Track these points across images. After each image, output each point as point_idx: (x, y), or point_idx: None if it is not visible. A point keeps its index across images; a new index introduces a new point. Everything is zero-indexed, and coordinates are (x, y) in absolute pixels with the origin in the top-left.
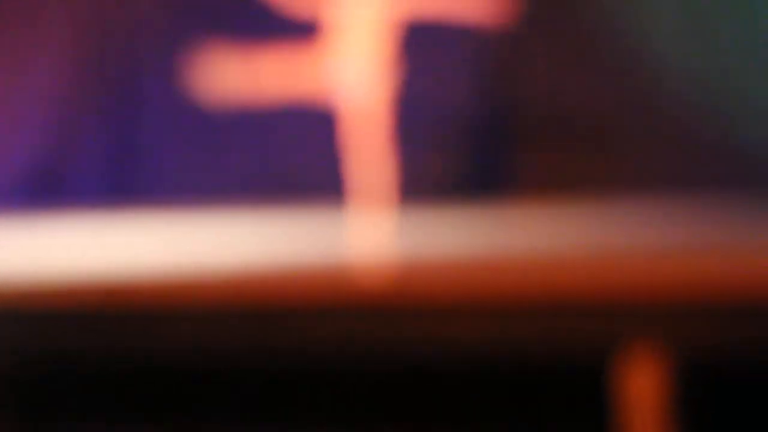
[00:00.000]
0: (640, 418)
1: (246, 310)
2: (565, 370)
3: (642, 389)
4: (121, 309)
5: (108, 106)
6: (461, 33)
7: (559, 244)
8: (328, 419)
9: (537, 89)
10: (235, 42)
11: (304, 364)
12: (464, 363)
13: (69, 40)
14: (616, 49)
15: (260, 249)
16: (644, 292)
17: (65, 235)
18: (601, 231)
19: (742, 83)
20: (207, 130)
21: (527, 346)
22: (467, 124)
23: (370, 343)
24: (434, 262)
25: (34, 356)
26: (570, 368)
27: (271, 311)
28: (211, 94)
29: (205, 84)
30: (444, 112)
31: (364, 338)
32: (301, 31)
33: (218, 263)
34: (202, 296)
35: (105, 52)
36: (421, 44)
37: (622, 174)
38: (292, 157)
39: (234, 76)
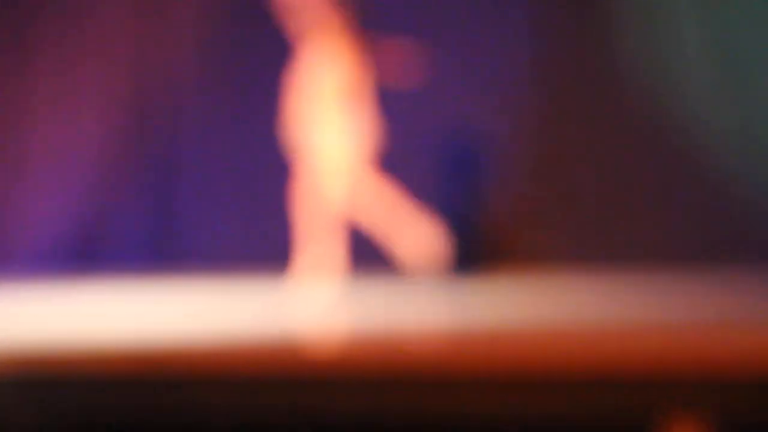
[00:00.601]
0: None
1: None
2: None
3: None
4: (144, 374)
5: (147, 174)
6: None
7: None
8: None
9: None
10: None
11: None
12: None
13: (111, 110)
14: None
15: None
16: (682, 366)
17: (102, 299)
18: (624, 304)
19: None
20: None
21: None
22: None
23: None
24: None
25: (73, 418)
26: None
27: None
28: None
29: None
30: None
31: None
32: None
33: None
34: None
35: (145, 122)
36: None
37: (651, 248)
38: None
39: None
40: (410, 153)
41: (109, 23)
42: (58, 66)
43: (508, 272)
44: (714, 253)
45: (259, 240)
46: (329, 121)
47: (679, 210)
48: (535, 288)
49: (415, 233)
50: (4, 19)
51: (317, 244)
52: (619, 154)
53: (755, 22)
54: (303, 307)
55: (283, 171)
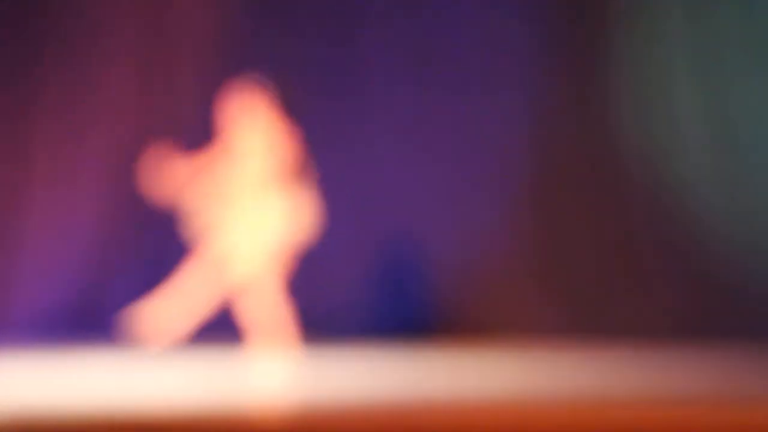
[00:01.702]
0: None
1: None
2: None
3: None
4: None
5: (139, 245)
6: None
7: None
8: None
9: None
10: None
11: None
12: None
13: (103, 181)
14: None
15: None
16: None
17: (96, 368)
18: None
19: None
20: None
21: None
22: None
23: None
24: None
25: None
26: None
27: None
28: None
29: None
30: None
31: None
32: None
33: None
34: None
35: (137, 193)
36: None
37: (639, 322)
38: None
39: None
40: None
41: (110, 77)
42: (57, 125)
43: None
44: (704, 327)
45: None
46: (251, 203)
47: (672, 283)
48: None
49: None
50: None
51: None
52: (610, 226)
53: (753, 91)
54: (256, 378)
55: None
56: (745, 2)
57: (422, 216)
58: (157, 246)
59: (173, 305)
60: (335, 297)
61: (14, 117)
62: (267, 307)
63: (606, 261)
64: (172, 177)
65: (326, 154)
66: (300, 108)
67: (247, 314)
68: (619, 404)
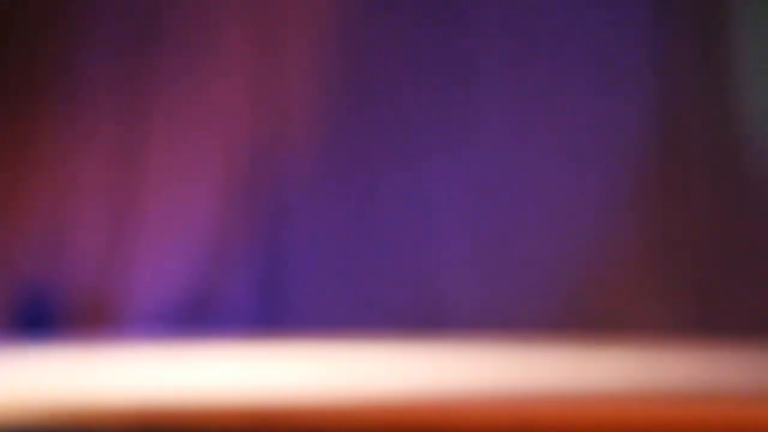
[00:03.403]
0: None
1: None
2: None
3: None
4: None
5: (257, 234)
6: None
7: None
8: None
9: None
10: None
11: None
12: None
13: (219, 169)
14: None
15: (400, 381)
16: None
17: (212, 362)
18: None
19: None
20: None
21: None
22: None
23: None
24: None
25: None
26: None
27: None
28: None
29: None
30: None
31: None
32: None
33: (360, 394)
34: (346, 425)
35: (255, 181)
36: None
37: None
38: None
39: None
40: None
41: (223, 73)
42: (171, 115)
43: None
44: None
45: (371, 304)
46: None
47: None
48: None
49: None
50: (119, 70)
51: None
52: (736, 223)
53: None
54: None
55: (400, 227)
56: None
57: (540, 211)
58: (273, 238)
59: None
60: (449, 290)
61: (129, 119)
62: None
63: (732, 258)
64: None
65: (436, 148)
66: (408, 100)
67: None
68: (741, 400)
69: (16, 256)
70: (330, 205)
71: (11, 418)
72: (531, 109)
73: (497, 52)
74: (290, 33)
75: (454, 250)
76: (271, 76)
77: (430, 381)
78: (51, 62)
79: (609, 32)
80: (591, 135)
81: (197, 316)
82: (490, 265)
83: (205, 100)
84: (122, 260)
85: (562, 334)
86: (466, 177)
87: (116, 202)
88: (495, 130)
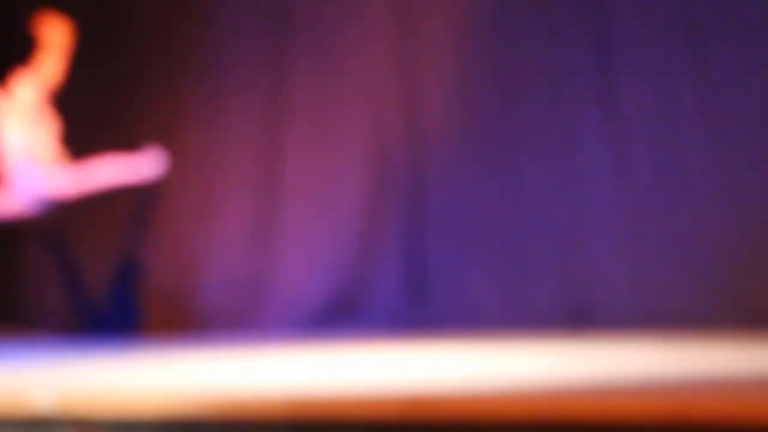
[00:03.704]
0: None
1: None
2: None
3: None
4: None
5: (403, 231)
6: None
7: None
8: None
9: None
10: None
11: None
12: None
13: (364, 165)
14: None
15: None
16: None
17: (359, 357)
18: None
19: None
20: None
21: None
22: None
23: None
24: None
25: None
26: None
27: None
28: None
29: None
30: None
31: None
32: None
33: (509, 388)
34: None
35: (400, 178)
36: None
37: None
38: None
39: None
40: None
41: (361, 67)
42: (311, 116)
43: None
44: None
45: (519, 300)
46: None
47: None
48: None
49: None
50: (262, 67)
51: None
52: None
53: None
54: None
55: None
56: None
57: (692, 206)
58: (418, 235)
59: None
60: (600, 286)
61: (270, 113)
62: None
63: None
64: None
65: (584, 142)
66: (555, 92)
67: None
68: None
69: (159, 255)
70: (476, 202)
71: (167, 412)
72: (684, 100)
73: (644, 41)
74: (433, 23)
75: (604, 247)
76: (415, 67)
77: (579, 375)
78: (194, 57)
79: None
80: (748, 127)
81: (344, 311)
82: (642, 261)
83: (350, 97)
84: (268, 257)
85: (719, 328)
86: (617, 172)
87: (260, 200)
88: (646, 123)
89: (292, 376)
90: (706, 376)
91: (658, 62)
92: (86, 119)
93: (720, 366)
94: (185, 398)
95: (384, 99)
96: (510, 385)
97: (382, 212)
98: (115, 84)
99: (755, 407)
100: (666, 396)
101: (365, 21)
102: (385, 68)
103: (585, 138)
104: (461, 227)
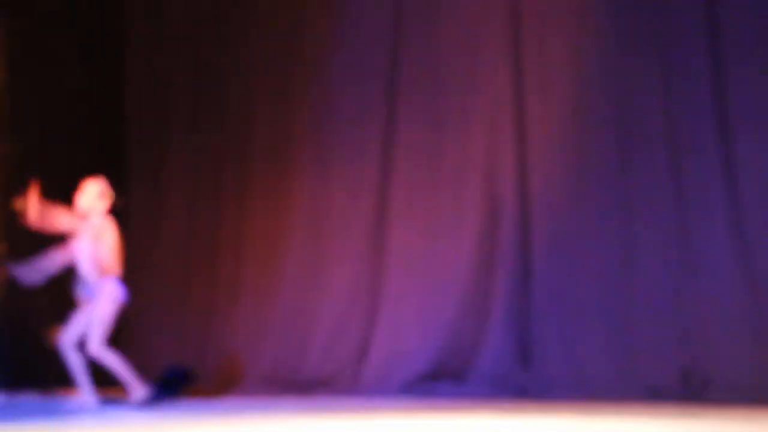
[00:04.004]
0: None
1: None
2: None
3: None
4: None
5: (508, 302)
6: None
7: None
8: None
9: None
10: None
11: None
12: None
13: (473, 241)
14: None
15: None
16: None
17: (462, 425)
18: None
19: None
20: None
21: None
22: None
23: None
24: None
25: None
26: None
27: None
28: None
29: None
30: None
31: None
32: None
33: None
34: None
35: (507, 253)
36: None
37: None
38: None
39: None
40: None
41: (470, 134)
42: (419, 180)
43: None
44: None
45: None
46: None
47: None
48: None
49: None
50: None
51: None
52: None
53: None
54: None
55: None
56: None
57: None
58: (525, 302)
59: None
60: (716, 358)
61: (379, 175)
62: None
63: None
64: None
65: (699, 206)
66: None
67: None
68: None
69: (269, 315)
70: (586, 268)
71: None
72: None
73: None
74: (545, 78)
75: (720, 316)
76: (527, 124)
77: None
78: (302, 107)
79: None
80: None
81: (448, 376)
82: (763, 332)
83: (458, 162)
84: (373, 319)
85: None
86: (735, 238)
87: (366, 263)
88: (764, 190)
89: None
90: None
91: None
92: (196, 181)
93: None
94: None
95: (495, 163)
96: None
97: (490, 278)
98: (222, 148)
99: None
100: None
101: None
102: (496, 131)
103: (702, 205)
104: (569, 293)
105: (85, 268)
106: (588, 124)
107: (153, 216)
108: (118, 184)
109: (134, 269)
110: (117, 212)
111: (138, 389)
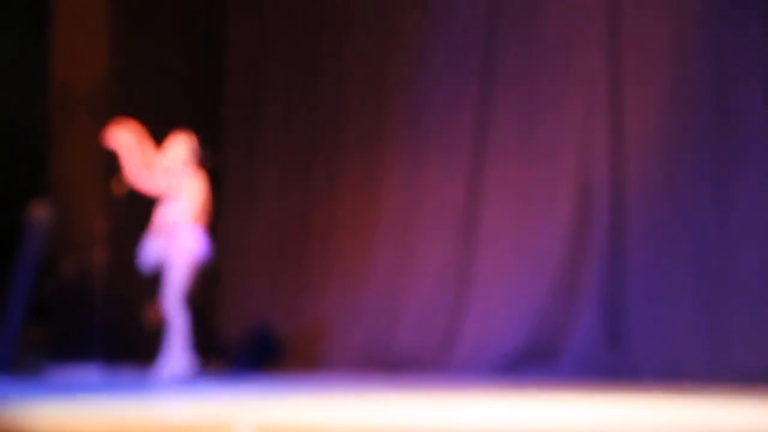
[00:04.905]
0: None
1: None
2: None
3: None
4: None
5: (599, 282)
6: None
7: None
8: None
9: None
10: None
11: None
12: None
13: (565, 222)
14: None
15: None
16: None
17: (551, 406)
18: None
19: None
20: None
21: None
22: None
23: None
24: None
25: None
26: None
27: None
28: None
29: None
30: None
31: None
32: None
33: None
34: None
35: (600, 233)
36: None
37: None
38: None
39: None
40: None
41: (566, 115)
42: (513, 162)
43: None
44: None
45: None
46: None
47: None
48: None
49: None
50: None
51: None
52: None
53: None
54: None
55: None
56: None
57: None
58: (616, 283)
59: None
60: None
61: (472, 159)
62: None
63: None
64: None
65: None
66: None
67: None
68: None
69: (355, 291)
70: (677, 251)
71: None
72: None
73: None
74: (646, 62)
75: None
76: (622, 114)
77: None
78: (396, 92)
79: None
80: None
81: (539, 357)
82: None
83: (552, 146)
84: (464, 300)
85: None
86: None
87: (458, 244)
88: None
89: (484, 424)
90: None
91: None
92: (291, 170)
93: None
94: None
95: (588, 149)
96: None
97: (581, 258)
98: (318, 134)
99: None
100: None
101: (572, 70)
102: (592, 115)
103: None
104: (661, 275)
105: (173, 223)
106: (685, 111)
107: (246, 192)
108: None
109: (226, 234)
110: (210, 170)
111: (179, 361)
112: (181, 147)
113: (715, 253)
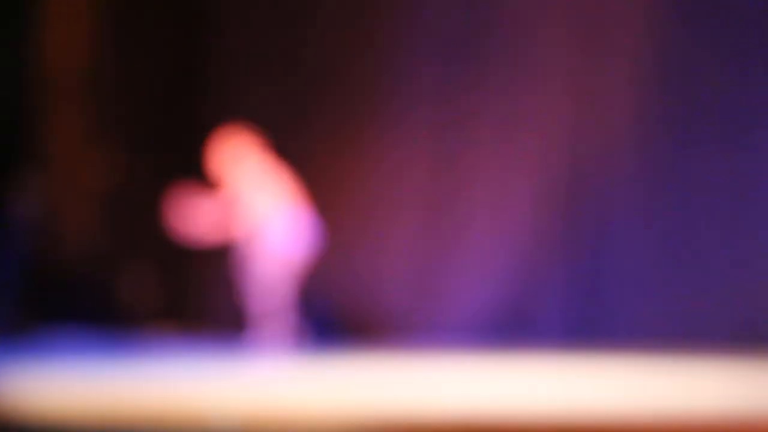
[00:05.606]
0: None
1: None
2: None
3: None
4: None
5: (570, 245)
6: None
7: None
8: None
9: None
10: None
11: None
12: None
13: (539, 175)
14: None
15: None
16: None
17: (526, 373)
18: None
19: None
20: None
21: None
22: None
23: None
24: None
25: None
26: None
27: None
28: None
29: None
30: None
31: None
32: None
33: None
34: None
35: (573, 189)
36: None
37: None
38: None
39: None
40: None
41: (544, 75)
42: (492, 120)
43: None
44: None
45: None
46: None
47: None
48: None
49: None
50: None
51: None
52: None
53: None
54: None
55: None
56: None
57: None
58: (588, 250)
59: None
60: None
61: (448, 125)
62: None
63: None
64: None
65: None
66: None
67: None
68: None
69: (331, 264)
70: (649, 214)
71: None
72: None
73: None
74: (614, 36)
75: None
76: (593, 79)
77: (758, 399)
78: (374, 68)
79: None
80: None
81: (512, 325)
82: None
83: (525, 106)
84: (438, 267)
85: None
86: None
87: (433, 209)
88: None
89: (461, 390)
90: None
91: None
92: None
93: None
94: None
95: (562, 106)
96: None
97: (556, 222)
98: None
99: None
100: None
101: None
102: (565, 79)
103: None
104: (635, 239)
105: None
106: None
107: None
108: None
109: None
110: None
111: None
112: (223, 155)
113: (682, 220)
